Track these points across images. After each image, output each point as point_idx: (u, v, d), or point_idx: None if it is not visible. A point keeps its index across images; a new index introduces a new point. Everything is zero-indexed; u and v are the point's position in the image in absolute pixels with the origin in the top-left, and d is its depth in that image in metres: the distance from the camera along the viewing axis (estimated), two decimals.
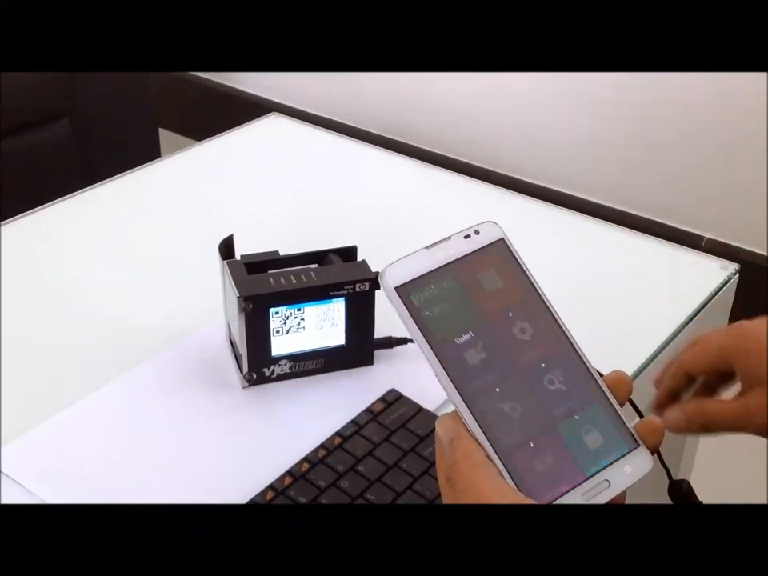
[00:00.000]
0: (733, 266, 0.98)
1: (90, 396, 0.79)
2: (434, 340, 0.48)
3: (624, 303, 0.93)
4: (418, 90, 2.24)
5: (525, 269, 0.51)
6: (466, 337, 0.48)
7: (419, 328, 0.48)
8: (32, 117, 1.84)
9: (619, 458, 0.47)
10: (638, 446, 0.48)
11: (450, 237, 0.50)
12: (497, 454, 0.46)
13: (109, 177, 1.14)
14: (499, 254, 0.50)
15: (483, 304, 0.49)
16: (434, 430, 0.72)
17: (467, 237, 0.51)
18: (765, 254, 1.87)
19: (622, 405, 0.49)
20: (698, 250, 1.01)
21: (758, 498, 1.56)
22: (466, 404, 0.47)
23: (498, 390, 0.48)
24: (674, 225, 1.97)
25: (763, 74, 1.73)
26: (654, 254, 1.01)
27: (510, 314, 0.49)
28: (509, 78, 2.09)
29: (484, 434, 0.46)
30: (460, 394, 0.47)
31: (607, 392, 0.49)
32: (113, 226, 1.05)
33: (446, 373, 0.47)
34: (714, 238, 1.92)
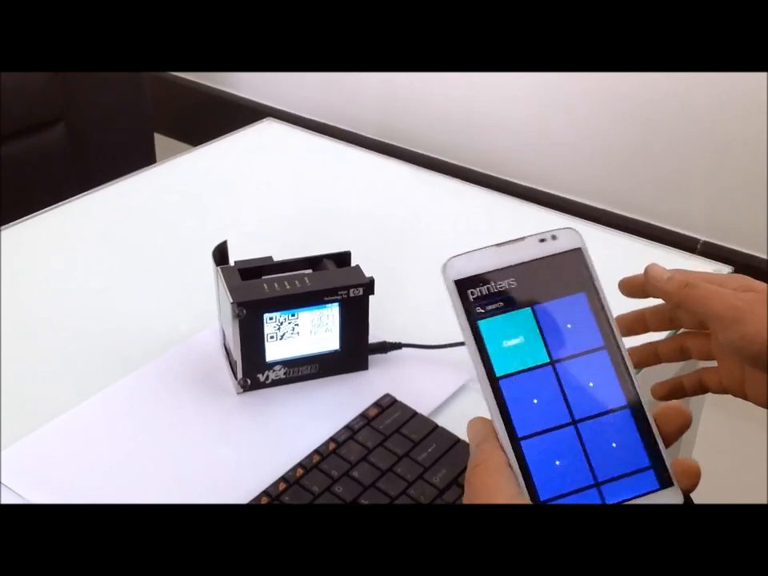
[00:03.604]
0: (728, 269, 0.98)
1: (84, 402, 0.79)
2: (481, 340, 0.47)
3: (616, 306, 0.92)
4: (412, 95, 2.25)
5: (597, 283, 0.49)
6: (516, 342, 0.47)
7: (470, 326, 0.47)
8: (28, 122, 1.84)
9: (647, 494, 0.46)
10: (672, 485, 0.47)
11: (524, 238, 0.49)
12: (518, 464, 0.46)
13: (104, 182, 1.15)
14: (573, 263, 0.49)
15: (543, 313, 0.48)
16: (427, 435, 0.73)
17: (542, 240, 0.49)
18: (760, 256, 1.88)
19: (673, 438, 0.48)
20: (693, 253, 1.01)
21: (754, 499, 1.56)
22: (500, 410, 0.46)
23: (535, 401, 0.47)
24: (669, 227, 1.98)
25: (761, 75, 1.74)
26: (648, 257, 1.01)
27: (569, 326, 0.48)
28: (504, 83, 2.09)
29: (510, 443, 0.46)
30: (496, 399, 0.46)
31: (653, 424, 0.47)
32: (108, 232, 1.05)
33: (487, 376, 0.46)
34: (709, 240, 1.93)
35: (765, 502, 1.52)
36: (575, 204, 2.07)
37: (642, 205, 2.00)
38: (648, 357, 0.63)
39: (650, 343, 0.63)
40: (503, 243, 0.49)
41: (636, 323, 0.63)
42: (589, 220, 1.09)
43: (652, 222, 1.99)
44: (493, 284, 0.48)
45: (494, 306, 0.47)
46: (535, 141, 2.11)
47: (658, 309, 0.62)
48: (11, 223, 1.05)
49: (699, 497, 0.54)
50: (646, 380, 0.49)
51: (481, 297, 0.47)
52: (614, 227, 1.09)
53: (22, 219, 1.06)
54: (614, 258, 1.02)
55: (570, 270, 0.49)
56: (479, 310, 0.47)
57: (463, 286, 0.47)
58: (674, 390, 0.62)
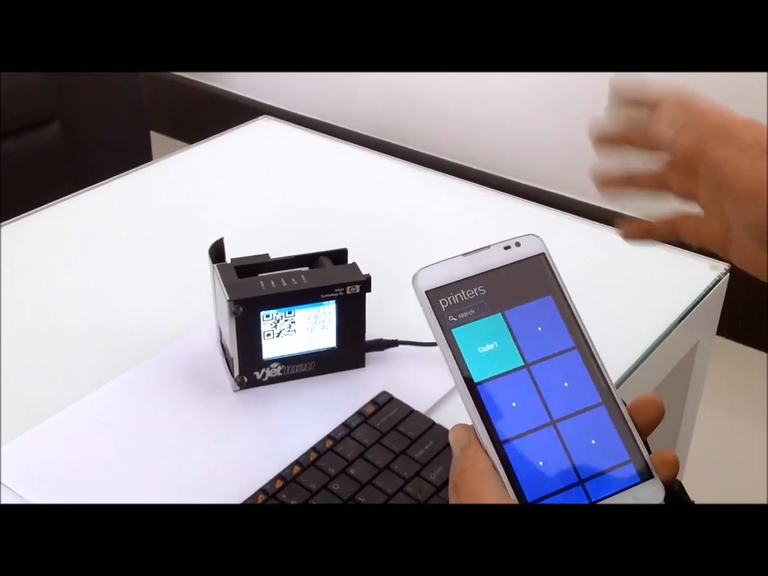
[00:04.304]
0: (723, 266, 0.98)
1: (80, 400, 0.79)
2: (457, 348, 0.48)
3: (611, 304, 0.93)
4: (409, 93, 2.25)
5: (562, 286, 0.50)
6: (490, 347, 0.48)
7: (444, 334, 0.48)
8: (24, 121, 1.84)
9: (629, 487, 0.47)
10: (652, 477, 0.47)
11: (489, 246, 0.50)
12: (503, 467, 0.46)
13: (100, 180, 1.14)
14: (538, 268, 0.50)
15: (514, 317, 0.49)
16: (424, 432, 0.73)
17: (507, 248, 0.50)
18: None
19: (649, 429, 0.49)
20: (688, 249, 1.01)
21: (754, 499, 1.56)
22: (481, 416, 0.47)
23: (514, 403, 0.47)
24: None
25: (761, 75, 1.74)
26: (642, 254, 1.01)
27: (539, 329, 0.49)
28: (500, 82, 2.09)
29: (494, 447, 0.46)
30: (476, 404, 0.47)
31: (628, 419, 0.48)
32: (104, 229, 1.05)
33: (465, 383, 0.47)
34: None
35: (765, 502, 1.52)
36: (571, 201, 2.07)
37: (641, 203, 2.00)
38: (621, 180, 0.58)
39: (628, 168, 0.58)
40: (470, 252, 0.50)
41: (623, 180, 0.58)
42: (588, 218, 1.09)
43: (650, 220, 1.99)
44: (463, 292, 0.49)
45: (465, 314, 0.48)
46: (534, 139, 2.11)
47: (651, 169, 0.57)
48: (7, 221, 1.05)
49: (699, 497, 0.54)
50: (629, 390, 0.49)
51: (452, 305, 0.48)
52: (609, 224, 1.09)
53: (18, 217, 1.06)
54: (613, 255, 1.02)
55: (535, 275, 0.50)
56: (452, 318, 0.48)
57: (435, 296, 0.48)
58: (645, 232, 0.59)
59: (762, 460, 1.59)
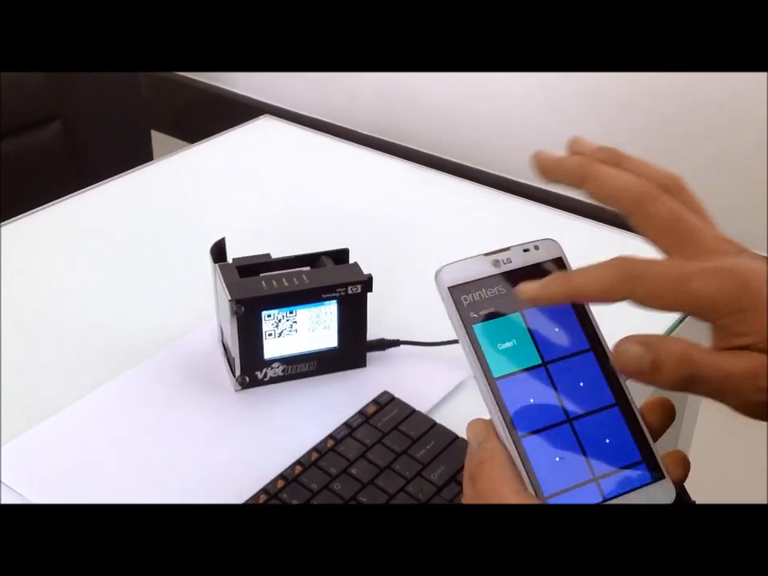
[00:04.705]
0: None
1: (81, 400, 0.79)
2: (477, 344, 0.49)
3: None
4: (410, 92, 2.25)
5: None
6: (509, 345, 0.49)
7: (466, 330, 0.49)
8: (24, 120, 1.84)
9: (641, 486, 0.48)
10: (664, 477, 0.48)
11: (509, 247, 0.51)
12: (522, 461, 0.47)
13: (101, 179, 1.14)
14: (554, 271, 0.51)
15: (531, 317, 0.50)
16: (425, 432, 0.73)
17: (526, 250, 0.51)
18: (761, 254, 1.88)
19: (661, 430, 0.49)
20: None
21: (754, 499, 1.56)
22: (500, 410, 0.48)
23: (532, 400, 0.48)
24: None
25: (761, 75, 1.74)
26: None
27: (556, 329, 0.50)
28: (501, 81, 2.09)
29: (513, 441, 0.47)
30: (495, 399, 0.48)
31: (641, 420, 0.49)
32: (105, 229, 1.05)
33: (485, 377, 0.48)
34: None
35: (765, 501, 1.52)
36: (575, 201, 2.07)
37: None
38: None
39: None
40: (490, 253, 0.51)
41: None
42: (589, 218, 1.09)
43: None
44: (484, 290, 0.50)
45: (486, 311, 0.49)
46: (534, 139, 2.11)
47: None
48: (8, 220, 1.05)
49: (699, 497, 0.54)
50: (630, 390, 0.50)
51: (473, 302, 0.49)
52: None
53: (19, 216, 1.06)
54: (613, 254, 1.02)
55: None
56: (473, 315, 0.49)
57: (457, 292, 0.49)
58: None
59: (762, 460, 1.58)
